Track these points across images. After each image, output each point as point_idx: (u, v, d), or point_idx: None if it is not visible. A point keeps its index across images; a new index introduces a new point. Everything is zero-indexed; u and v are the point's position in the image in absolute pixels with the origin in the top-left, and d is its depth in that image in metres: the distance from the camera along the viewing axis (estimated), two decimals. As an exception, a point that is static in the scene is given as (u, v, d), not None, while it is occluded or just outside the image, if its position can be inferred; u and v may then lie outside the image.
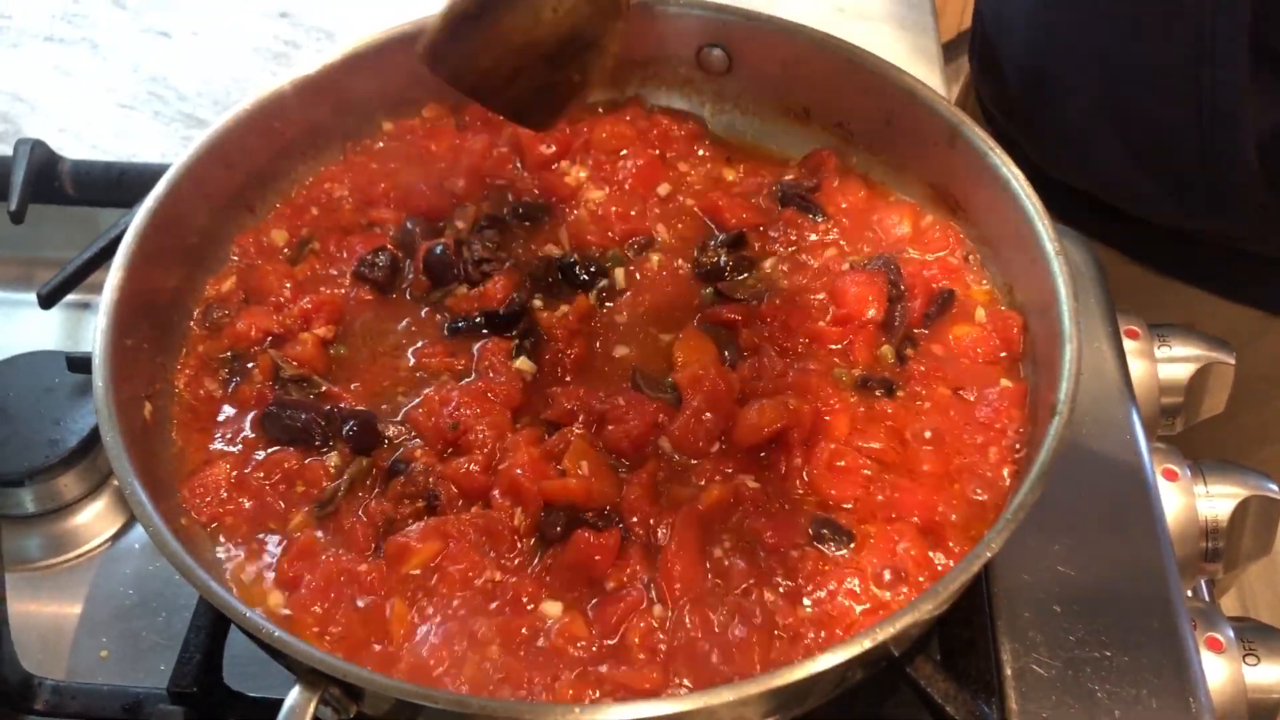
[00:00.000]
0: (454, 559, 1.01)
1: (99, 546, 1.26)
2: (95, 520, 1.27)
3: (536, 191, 1.31)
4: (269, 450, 1.10)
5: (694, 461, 1.09)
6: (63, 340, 1.44)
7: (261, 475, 1.08)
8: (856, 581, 1.00)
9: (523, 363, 1.16)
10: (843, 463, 1.08)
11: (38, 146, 1.46)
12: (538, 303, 1.21)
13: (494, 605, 0.99)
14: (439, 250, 1.23)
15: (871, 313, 1.18)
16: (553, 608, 0.99)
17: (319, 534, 1.05)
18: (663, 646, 0.97)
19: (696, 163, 1.37)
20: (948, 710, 0.96)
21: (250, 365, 1.16)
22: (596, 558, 1.01)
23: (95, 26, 1.86)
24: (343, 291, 1.23)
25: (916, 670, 0.97)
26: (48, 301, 1.32)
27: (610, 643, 0.97)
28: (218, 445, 1.12)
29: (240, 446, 1.11)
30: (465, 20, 1.13)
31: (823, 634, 0.97)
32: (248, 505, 1.07)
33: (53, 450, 1.25)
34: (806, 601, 1.00)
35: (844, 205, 1.30)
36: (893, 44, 1.80)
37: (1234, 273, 1.60)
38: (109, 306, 1.07)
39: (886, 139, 1.31)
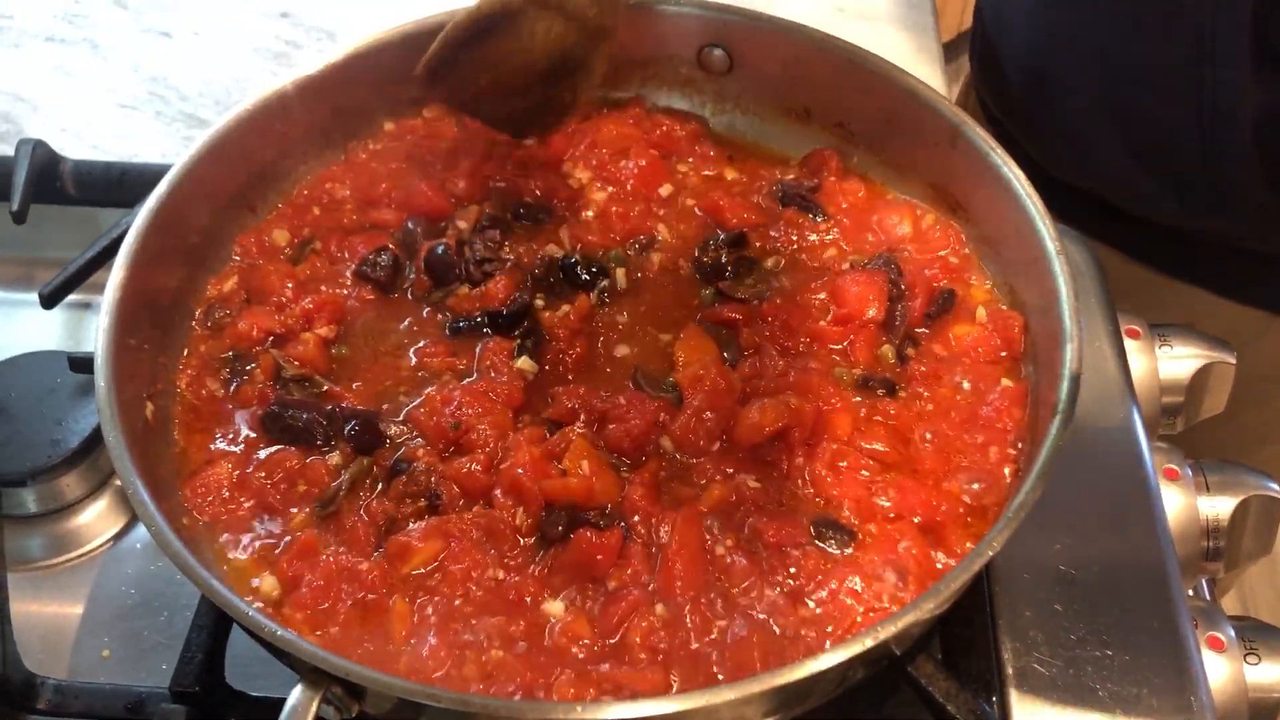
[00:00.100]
0: (456, 558, 1.01)
1: (101, 546, 1.26)
2: (97, 520, 1.27)
3: (539, 192, 1.31)
4: (270, 450, 1.11)
5: (695, 460, 1.09)
6: (64, 340, 1.44)
7: (263, 475, 1.08)
8: (858, 580, 1.00)
9: (524, 362, 1.16)
10: (844, 462, 1.08)
11: (39, 147, 1.46)
12: (539, 302, 1.21)
13: (496, 604, 0.99)
14: (440, 250, 1.23)
15: (872, 312, 1.18)
16: (554, 607, 0.99)
17: (320, 533, 1.05)
18: (664, 646, 0.97)
19: (698, 163, 1.37)
20: (949, 709, 0.96)
21: (252, 365, 1.16)
22: (598, 557, 1.01)
23: (96, 26, 1.86)
24: (344, 291, 1.23)
25: (918, 669, 0.97)
26: (49, 301, 1.32)
27: (611, 642, 0.97)
28: (219, 445, 1.12)
29: (242, 446, 1.11)
30: (462, 44, 1.20)
31: (824, 633, 0.98)
32: (249, 505, 1.07)
33: (55, 450, 1.25)
34: (808, 601, 1.00)
35: (844, 205, 1.30)
36: (893, 44, 1.80)
37: (1234, 272, 1.60)
38: (111, 306, 1.08)
39: (887, 139, 1.31)
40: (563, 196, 1.31)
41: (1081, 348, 1.03)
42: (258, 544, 1.05)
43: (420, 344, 1.19)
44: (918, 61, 1.77)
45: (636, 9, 1.34)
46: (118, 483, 1.28)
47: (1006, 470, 1.08)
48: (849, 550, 1.03)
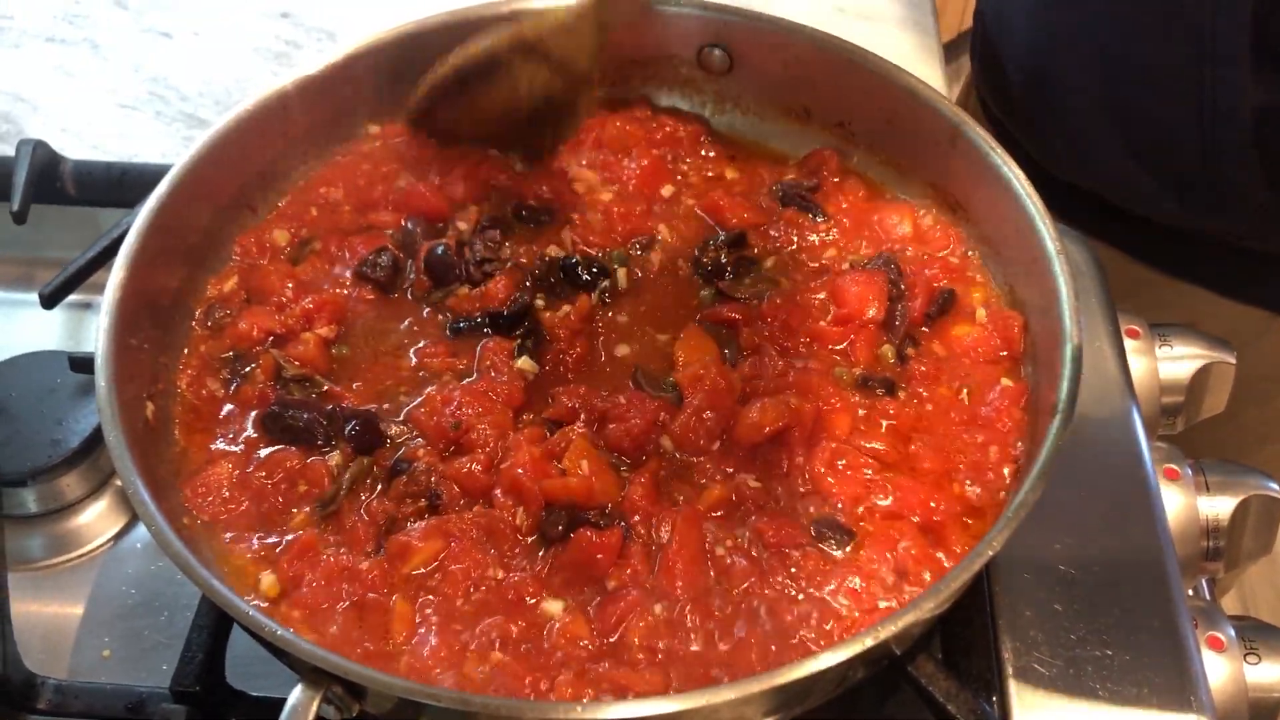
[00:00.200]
0: (456, 558, 1.01)
1: (101, 546, 1.26)
2: (97, 520, 1.27)
3: (542, 192, 1.31)
4: (271, 450, 1.11)
5: (695, 460, 1.09)
6: (65, 340, 1.44)
7: (263, 475, 1.08)
8: (858, 580, 1.00)
9: (525, 362, 1.16)
10: (844, 462, 1.08)
11: (39, 147, 1.46)
12: (540, 303, 1.21)
13: (496, 604, 0.99)
14: (440, 250, 1.23)
15: (872, 312, 1.18)
16: (554, 606, 0.99)
17: (320, 533, 1.05)
18: (663, 645, 0.97)
19: (699, 163, 1.37)
20: (949, 709, 0.96)
21: (252, 365, 1.16)
22: (598, 557, 1.01)
23: (96, 27, 1.86)
24: (344, 291, 1.23)
25: (918, 669, 0.97)
26: (50, 302, 1.32)
27: (611, 641, 0.97)
28: (220, 445, 1.12)
29: (242, 446, 1.11)
30: (445, 92, 1.22)
31: (824, 633, 0.98)
32: (250, 505, 1.07)
33: (55, 450, 1.25)
34: (808, 601, 1.00)
35: (844, 205, 1.30)
36: (893, 44, 1.80)
37: (1235, 271, 1.60)
38: (111, 306, 1.08)
39: (887, 139, 1.31)
40: (565, 198, 1.31)
41: (1081, 347, 1.03)
42: (258, 544, 1.05)
43: (420, 344, 1.19)
44: (918, 61, 1.77)
45: (636, 10, 1.34)
46: (118, 483, 1.28)
47: (1006, 470, 1.08)
48: (849, 550, 1.03)
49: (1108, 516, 1.19)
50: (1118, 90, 1.51)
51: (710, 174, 1.36)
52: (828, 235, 1.29)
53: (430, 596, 1.00)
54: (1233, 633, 1.16)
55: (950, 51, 1.99)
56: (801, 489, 1.07)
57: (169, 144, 1.67)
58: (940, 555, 1.03)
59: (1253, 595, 2.61)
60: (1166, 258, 1.63)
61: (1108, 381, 1.30)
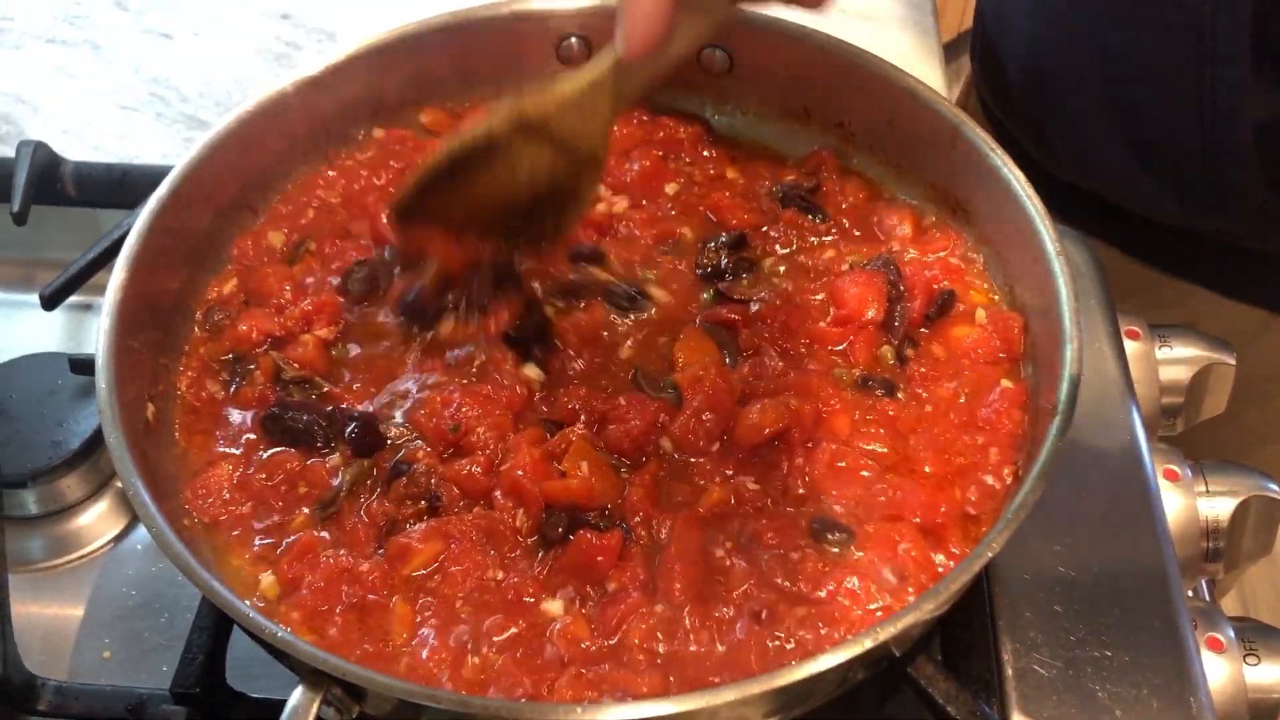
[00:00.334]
0: (456, 560, 1.01)
1: (102, 548, 1.26)
2: (98, 521, 1.27)
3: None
4: (271, 451, 1.11)
5: (695, 461, 1.09)
6: (65, 342, 1.44)
7: (264, 476, 1.08)
8: (857, 582, 1.00)
9: (531, 370, 1.15)
10: (843, 463, 1.08)
11: (40, 148, 1.46)
12: (552, 308, 1.19)
13: (496, 605, 1.00)
14: (412, 297, 1.17)
15: (872, 313, 1.18)
16: (554, 608, 0.99)
17: (320, 534, 1.05)
18: (662, 647, 0.97)
19: (700, 163, 1.37)
20: (949, 710, 0.96)
21: (252, 367, 1.16)
22: (599, 558, 1.01)
23: (97, 28, 1.86)
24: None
25: (918, 670, 0.97)
26: (50, 303, 1.32)
27: (610, 643, 0.97)
28: (220, 447, 1.12)
29: (242, 448, 1.11)
30: (439, 179, 1.07)
31: (824, 634, 0.97)
32: (250, 506, 1.07)
33: (55, 452, 1.26)
34: (807, 602, 1.00)
35: (844, 206, 1.30)
36: (893, 44, 1.80)
37: (1235, 271, 1.60)
38: (112, 308, 1.08)
39: (887, 139, 1.31)
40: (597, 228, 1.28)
41: (1081, 349, 1.03)
42: (258, 545, 1.05)
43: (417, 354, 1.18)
44: (918, 62, 1.77)
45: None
46: (118, 484, 1.28)
47: (1006, 471, 1.08)
48: (848, 551, 1.03)
49: (1107, 518, 1.19)
50: (1118, 90, 1.51)
51: (711, 174, 1.36)
52: (828, 236, 1.29)
53: (430, 598, 1.00)
54: (1232, 634, 1.16)
55: (950, 52, 1.99)
56: (801, 490, 1.07)
57: (169, 145, 1.68)
58: (940, 557, 1.03)
59: (1253, 596, 2.61)
60: (1166, 258, 1.63)
61: (1107, 383, 1.30)
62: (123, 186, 1.45)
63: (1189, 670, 1.09)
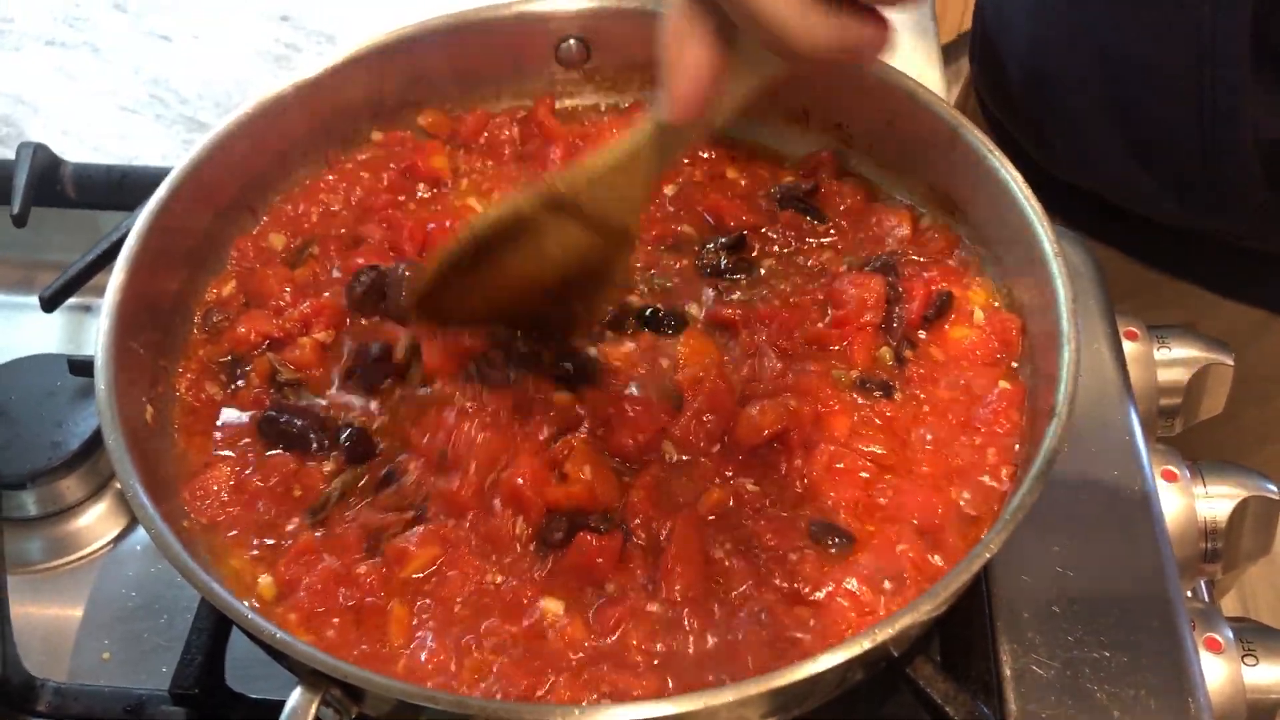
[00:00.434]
0: (454, 563, 1.01)
1: (101, 549, 1.26)
2: (97, 523, 1.27)
3: None
4: (268, 454, 1.11)
5: (695, 461, 1.09)
6: (64, 343, 1.44)
7: (261, 479, 1.08)
8: (855, 583, 1.00)
9: (562, 396, 1.11)
10: (842, 464, 1.08)
11: (40, 150, 1.46)
12: (602, 342, 1.16)
13: (494, 608, 0.99)
14: (375, 351, 1.13)
15: (870, 314, 1.18)
16: (553, 609, 0.99)
17: (317, 536, 1.05)
18: (661, 648, 0.97)
19: (699, 164, 1.37)
20: (947, 711, 0.96)
21: (249, 369, 1.16)
22: (599, 561, 1.01)
23: (96, 29, 1.86)
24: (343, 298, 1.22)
25: (916, 671, 0.97)
26: (50, 304, 1.32)
27: (609, 644, 0.97)
28: (219, 449, 1.12)
29: (240, 450, 1.11)
30: (463, 262, 1.01)
31: (822, 635, 0.98)
32: (248, 508, 1.07)
33: (55, 453, 1.26)
34: (806, 603, 1.00)
35: (843, 207, 1.30)
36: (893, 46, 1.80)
37: (1234, 271, 1.60)
38: (112, 309, 1.08)
39: (886, 141, 1.31)
40: None
41: (1079, 350, 1.03)
42: (256, 547, 1.05)
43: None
44: (917, 63, 1.77)
45: (634, 14, 1.34)
46: (118, 485, 1.28)
47: (1004, 472, 1.08)
48: (847, 552, 1.03)
49: (1106, 518, 1.19)
50: (1118, 90, 1.51)
51: (710, 175, 1.36)
52: (826, 237, 1.29)
53: (427, 600, 1.00)
54: (1231, 634, 1.16)
55: (950, 53, 1.99)
56: (799, 491, 1.07)
57: (169, 146, 1.68)
58: (937, 558, 1.03)
59: (1252, 596, 2.62)
60: (1166, 258, 1.63)
61: (1106, 384, 1.30)
62: (122, 188, 1.45)
63: (1187, 671, 1.08)
